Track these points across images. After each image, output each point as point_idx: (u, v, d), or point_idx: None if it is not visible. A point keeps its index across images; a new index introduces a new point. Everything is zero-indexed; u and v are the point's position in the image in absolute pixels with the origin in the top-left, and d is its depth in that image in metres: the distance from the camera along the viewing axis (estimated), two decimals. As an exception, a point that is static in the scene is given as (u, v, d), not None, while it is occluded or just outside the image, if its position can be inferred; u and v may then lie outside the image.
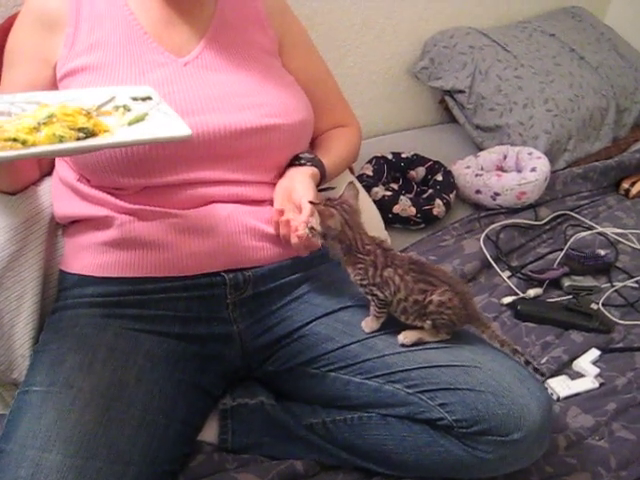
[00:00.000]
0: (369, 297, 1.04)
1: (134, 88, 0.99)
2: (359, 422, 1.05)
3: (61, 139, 0.80)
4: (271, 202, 1.13)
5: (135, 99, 0.95)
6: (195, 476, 1.01)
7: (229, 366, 1.11)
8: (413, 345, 1.03)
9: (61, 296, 1.10)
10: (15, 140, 0.77)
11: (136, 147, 1.00)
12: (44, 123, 0.81)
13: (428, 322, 1.02)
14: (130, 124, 0.88)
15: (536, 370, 1.02)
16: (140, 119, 0.89)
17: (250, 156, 1.10)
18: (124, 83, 1.05)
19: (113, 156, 1.00)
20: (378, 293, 1.02)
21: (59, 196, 1.13)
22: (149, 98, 0.96)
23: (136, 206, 1.05)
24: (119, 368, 0.98)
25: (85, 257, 1.08)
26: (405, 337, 1.03)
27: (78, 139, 0.81)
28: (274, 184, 1.14)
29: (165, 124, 0.89)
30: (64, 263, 1.12)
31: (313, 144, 1.33)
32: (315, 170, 1.17)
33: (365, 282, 1.02)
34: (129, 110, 0.91)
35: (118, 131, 0.85)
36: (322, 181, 1.21)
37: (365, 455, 1.06)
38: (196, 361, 1.07)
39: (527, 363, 1.00)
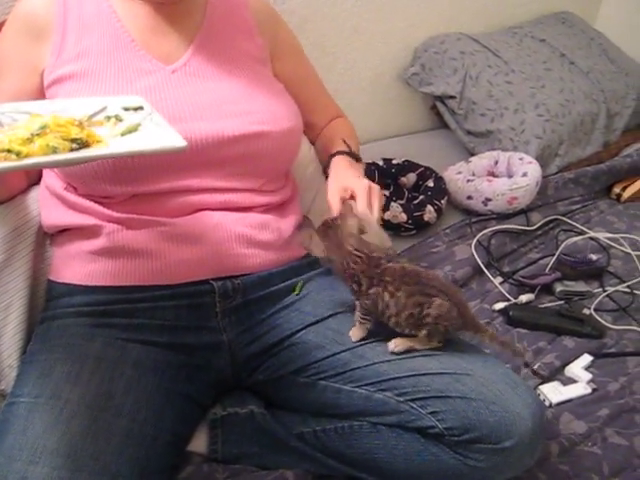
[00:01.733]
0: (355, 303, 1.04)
1: (125, 98, 0.98)
2: (350, 431, 1.05)
3: (55, 150, 0.79)
4: (259, 209, 1.13)
5: (127, 109, 0.94)
6: (184, 487, 1.00)
7: (218, 375, 1.10)
8: (404, 353, 1.02)
9: (49, 306, 1.09)
10: (9, 151, 0.76)
11: (124, 157, 0.99)
12: (37, 134, 0.80)
13: (424, 332, 1.01)
14: (123, 135, 0.87)
15: (535, 373, 1.02)
16: (133, 130, 0.88)
17: (238, 163, 1.09)
18: (112, 91, 1.04)
19: (100, 165, 1.00)
20: (363, 303, 1.02)
21: (46, 205, 1.12)
22: (141, 108, 0.95)
23: (124, 215, 1.04)
24: (107, 379, 0.97)
25: (73, 266, 1.07)
26: (396, 345, 1.02)
27: (72, 150, 0.80)
28: (263, 191, 1.14)
29: (159, 135, 0.88)
30: (52, 273, 1.12)
31: (319, 140, 1.40)
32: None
33: (352, 292, 1.03)
34: (121, 120, 0.91)
35: (111, 142, 0.85)
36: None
37: (356, 464, 1.05)
38: (185, 370, 1.06)
39: (526, 365, 0.99)
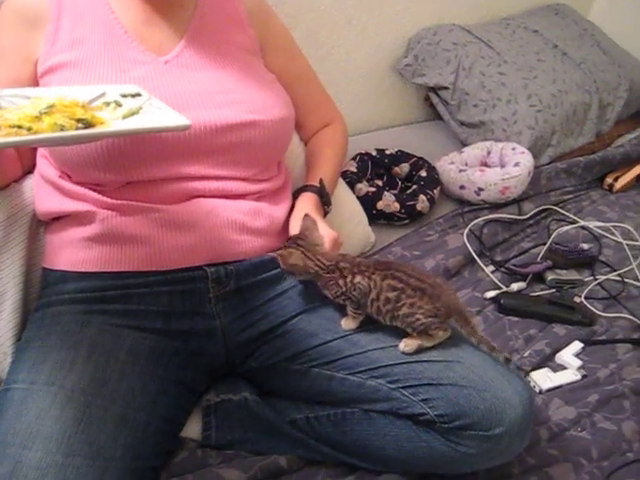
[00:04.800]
0: (345, 303, 1.06)
1: (122, 86, 0.99)
2: (342, 417, 1.06)
3: (62, 128, 0.80)
4: (253, 196, 1.14)
5: (124, 96, 0.95)
6: (178, 472, 1.01)
7: (212, 362, 1.11)
8: (414, 354, 1.02)
9: (44, 293, 1.10)
10: (20, 127, 0.77)
11: (117, 143, 1.00)
12: (45, 112, 0.82)
13: (410, 330, 1.02)
14: (124, 118, 0.88)
15: (518, 368, 1.03)
16: (134, 112, 0.90)
17: (231, 152, 1.10)
18: (105, 80, 1.05)
19: (94, 152, 1.00)
20: (351, 296, 1.04)
21: (41, 193, 1.12)
22: (138, 95, 0.96)
23: (118, 201, 1.05)
24: (101, 365, 0.97)
25: (67, 253, 1.08)
26: (406, 345, 1.02)
27: (77, 130, 0.82)
28: (256, 179, 1.15)
29: (162, 116, 0.89)
30: (46, 260, 1.12)
31: (307, 152, 1.39)
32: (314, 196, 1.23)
33: (339, 293, 1.05)
34: (120, 105, 0.92)
35: (114, 124, 0.86)
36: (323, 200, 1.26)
37: (348, 450, 1.06)
38: (179, 357, 1.07)
39: (507, 360, 1.00)
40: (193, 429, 1.10)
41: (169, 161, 1.05)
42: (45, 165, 1.11)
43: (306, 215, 1.11)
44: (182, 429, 1.09)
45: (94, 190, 1.06)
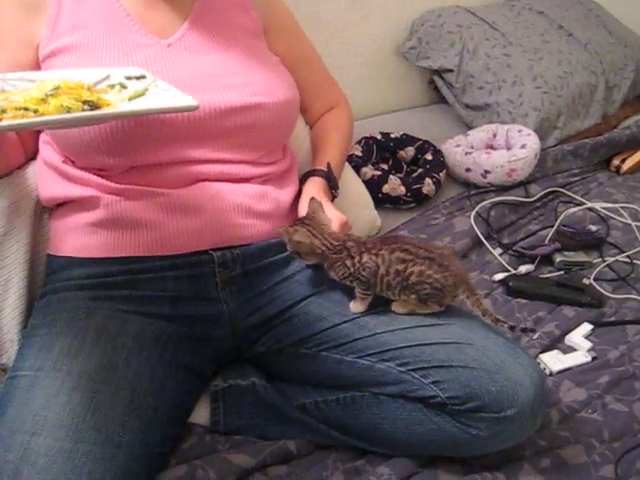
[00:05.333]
0: (353, 284, 1.05)
1: (126, 68, 0.98)
2: (352, 401, 1.05)
3: (69, 110, 0.79)
4: (258, 179, 1.13)
5: (129, 78, 0.94)
6: (187, 458, 1.00)
7: (219, 347, 1.10)
8: (407, 318, 1.03)
9: (49, 280, 1.09)
10: (26, 109, 0.76)
11: (121, 126, 0.98)
12: (51, 95, 0.81)
13: (412, 296, 1.02)
14: (130, 99, 0.87)
15: (524, 330, 1.03)
16: (140, 94, 0.89)
17: (236, 135, 1.08)
18: (107, 64, 1.04)
19: (98, 135, 0.99)
20: (360, 277, 1.03)
21: (44, 179, 1.11)
22: (143, 77, 0.95)
23: (123, 186, 1.04)
24: (108, 351, 0.97)
25: (72, 239, 1.07)
26: (398, 306, 1.04)
27: (83, 111, 0.81)
28: (261, 163, 1.14)
29: (169, 97, 0.88)
30: (51, 246, 1.11)
31: (313, 136, 1.37)
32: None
33: (347, 274, 1.04)
34: (125, 88, 0.91)
35: (120, 105, 0.85)
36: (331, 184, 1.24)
37: (358, 434, 1.05)
38: (186, 342, 1.06)
39: (512, 328, 1.00)
40: (201, 415, 1.09)
41: (174, 144, 1.04)
42: (48, 151, 1.10)
43: (312, 198, 1.09)
44: (190, 415, 1.08)
45: (98, 175, 1.05)
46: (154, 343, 1.02)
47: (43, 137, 1.12)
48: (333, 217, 1.10)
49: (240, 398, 1.10)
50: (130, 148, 1.01)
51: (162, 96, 0.88)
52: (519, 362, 0.97)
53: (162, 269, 1.05)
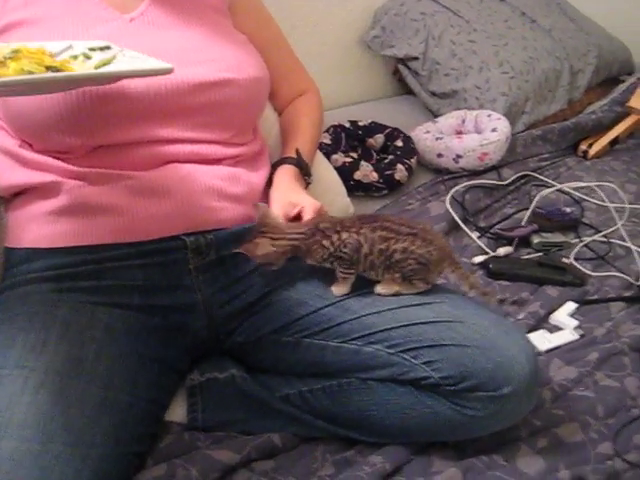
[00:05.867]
0: (334, 265, 1.00)
1: (89, 41, 0.92)
2: (338, 389, 1.00)
3: (30, 74, 0.73)
4: (230, 161, 1.07)
5: (92, 49, 0.88)
6: (165, 457, 0.94)
7: (195, 338, 1.04)
8: (393, 299, 0.99)
9: (8, 275, 1.01)
10: None
11: (81, 102, 0.92)
12: (10, 58, 0.74)
13: (397, 275, 0.98)
14: (97, 68, 0.81)
15: (514, 302, 1.01)
16: (107, 62, 0.83)
17: (205, 112, 1.03)
18: (66, 37, 0.96)
19: (56, 112, 0.92)
20: (341, 254, 0.98)
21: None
22: (108, 48, 0.89)
23: (86, 169, 0.97)
24: (76, 344, 0.90)
25: (32, 229, 0.99)
26: (382, 288, 0.99)
27: None
28: (233, 144, 1.08)
29: (140, 62, 0.83)
30: (9, 239, 1.03)
31: (282, 122, 1.32)
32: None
33: (326, 255, 0.99)
34: (89, 58, 0.85)
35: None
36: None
37: (346, 423, 1.00)
38: (159, 334, 0.99)
39: (501, 302, 0.97)
40: (178, 412, 1.03)
41: (140, 122, 0.98)
42: (2, 136, 1.03)
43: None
44: (165, 411, 1.01)
45: (58, 158, 0.98)
46: (125, 335, 0.95)
47: (-4, 122, 1.05)
48: (307, 204, 1.05)
49: (219, 392, 1.03)
50: (92, 126, 0.95)
51: (132, 62, 0.82)
52: (512, 338, 0.94)
53: (130, 257, 0.98)
